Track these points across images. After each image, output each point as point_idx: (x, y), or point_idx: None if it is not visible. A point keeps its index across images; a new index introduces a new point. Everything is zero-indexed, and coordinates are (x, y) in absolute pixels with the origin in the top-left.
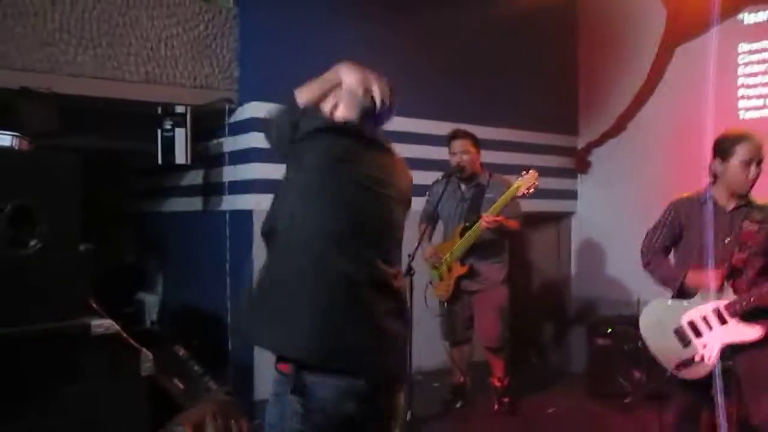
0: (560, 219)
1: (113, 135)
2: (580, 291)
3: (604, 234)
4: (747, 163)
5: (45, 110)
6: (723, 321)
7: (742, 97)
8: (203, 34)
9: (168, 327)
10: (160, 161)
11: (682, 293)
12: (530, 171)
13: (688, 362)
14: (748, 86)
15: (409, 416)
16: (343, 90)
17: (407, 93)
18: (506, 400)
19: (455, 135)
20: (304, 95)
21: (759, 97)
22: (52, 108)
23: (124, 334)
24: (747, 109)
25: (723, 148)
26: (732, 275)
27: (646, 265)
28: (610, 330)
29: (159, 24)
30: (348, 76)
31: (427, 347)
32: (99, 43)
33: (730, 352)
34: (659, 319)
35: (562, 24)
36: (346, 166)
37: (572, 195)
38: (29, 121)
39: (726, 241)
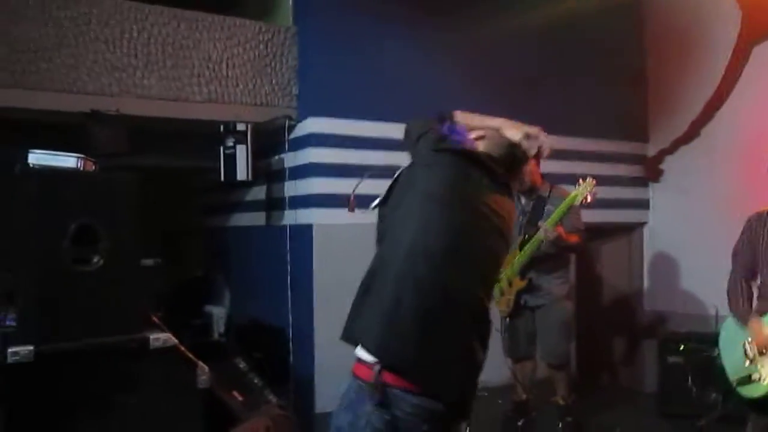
0: (632, 230)
1: (178, 154)
2: (653, 306)
3: (678, 245)
4: None
5: (113, 131)
6: None
7: None
8: (263, 53)
9: (234, 339)
10: (222, 178)
11: None
12: (587, 178)
13: (746, 380)
14: None
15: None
16: (496, 132)
17: (467, 102)
18: (569, 419)
19: None
20: (460, 117)
21: None
22: (120, 129)
23: (182, 348)
24: None
25: None
26: None
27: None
28: (682, 347)
29: (220, 45)
30: (509, 129)
31: (490, 363)
32: (163, 65)
33: None
34: (734, 332)
35: (629, 29)
36: (472, 190)
37: (644, 204)
38: (99, 142)
39: None
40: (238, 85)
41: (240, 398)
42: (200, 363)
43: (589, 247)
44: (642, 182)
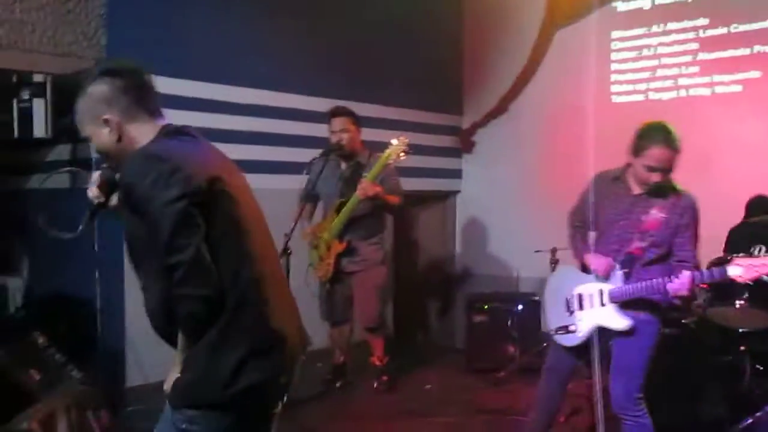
0: (446, 198)
1: None
2: (464, 269)
3: (487, 212)
4: (652, 169)
5: None
6: (602, 303)
7: (614, 83)
8: None
9: (34, 313)
10: (16, 134)
11: (586, 269)
12: (400, 138)
13: (563, 329)
14: (620, 72)
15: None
16: None
17: (288, 68)
18: (385, 378)
19: (335, 113)
20: None
21: (629, 82)
22: None
23: None
24: (619, 94)
25: (636, 143)
26: (627, 263)
27: (568, 237)
28: (486, 306)
29: None
30: None
31: (309, 328)
32: None
33: (607, 333)
34: (560, 284)
35: (449, 7)
36: None
37: (457, 174)
38: None
39: (627, 228)
40: (34, 30)
41: (37, 377)
42: None
43: (407, 214)
44: (455, 153)
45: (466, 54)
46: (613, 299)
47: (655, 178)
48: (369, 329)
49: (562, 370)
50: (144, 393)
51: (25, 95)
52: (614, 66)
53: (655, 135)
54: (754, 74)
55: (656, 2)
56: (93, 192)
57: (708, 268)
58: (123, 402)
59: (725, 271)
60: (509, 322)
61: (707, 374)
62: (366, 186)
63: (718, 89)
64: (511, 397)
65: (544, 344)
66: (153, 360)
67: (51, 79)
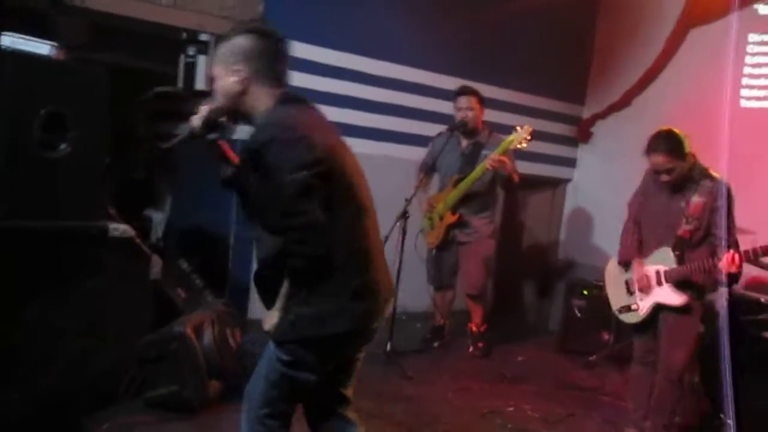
0: (557, 185)
1: (140, 55)
2: (567, 255)
3: (597, 204)
4: (656, 172)
5: (76, 23)
6: (660, 283)
7: (746, 87)
8: None
9: (173, 244)
10: (181, 85)
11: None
12: (524, 126)
13: (626, 308)
14: (753, 76)
15: (389, 347)
16: None
17: (418, 45)
18: (480, 344)
19: (462, 91)
20: None
21: (761, 87)
22: (82, 21)
23: (138, 240)
24: (749, 99)
25: (645, 150)
26: (678, 245)
27: (624, 228)
28: (586, 292)
29: None
30: None
31: (413, 290)
32: None
33: (660, 311)
34: (619, 269)
35: None
36: None
37: (571, 163)
38: (60, 32)
39: (673, 214)
40: None
41: (183, 295)
42: (154, 255)
43: (517, 196)
44: (572, 142)
45: (597, 44)
46: (669, 279)
47: (664, 178)
48: (471, 296)
49: (646, 356)
50: (260, 326)
51: (191, 51)
52: (747, 70)
53: (652, 143)
54: None
55: None
56: (195, 122)
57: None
58: (245, 330)
59: None
60: (608, 311)
61: None
62: (495, 157)
63: None
64: (600, 379)
65: None
66: None
67: (214, 38)
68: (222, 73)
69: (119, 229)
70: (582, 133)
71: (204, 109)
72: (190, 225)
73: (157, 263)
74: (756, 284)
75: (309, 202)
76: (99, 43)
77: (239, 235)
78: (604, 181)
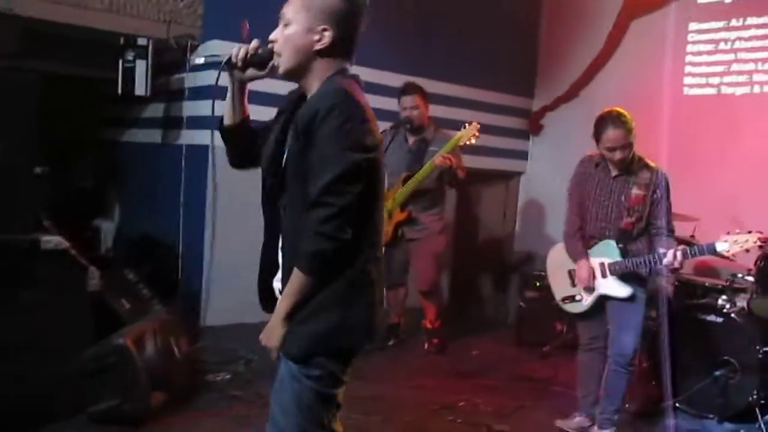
0: (510, 178)
1: (77, 62)
2: (522, 248)
3: (550, 195)
4: (611, 149)
5: (5, 30)
6: (604, 275)
7: (688, 74)
8: None
9: (122, 253)
10: (120, 91)
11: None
12: (472, 123)
13: (570, 299)
14: (694, 64)
15: None
16: None
17: (364, 43)
18: (435, 341)
19: (406, 90)
20: None
21: (702, 75)
22: (12, 29)
23: (73, 251)
24: (691, 86)
25: (595, 131)
26: (621, 238)
27: (567, 232)
28: (538, 284)
29: None
30: None
31: None
32: None
33: (605, 300)
34: (562, 259)
35: None
36: None
37: (523, 155)
38: None
39: (613, 207)
40: None
41: (127, 306)
42: (91, 267)
43: (470, 191)
44: (523, 134)
45: (543, 38)
46: (613, 272)
47: (618, 156)
48: (423, 293)
49: (591, 342)
50: (216, 332)
51: (130, 56)
52: (689, 58)
53: (607, 121)
54: None
55: None
56: (239, 52)
57: None
58: (197, 338)
59: (714, 247)
60: None
61: (747, 363)
62: (444, 155)
63: None
64: (553, 369)
65: None
66: (226, 304)
67: (152, 42)
68: (303, 23)
69: (52, 241)
70: (533, 126)
71: (253, 44)
72: (139, 233)
73: (95, 274)
74: (704, 268)
75: (351, 185)
76: (32, 51)
77: (187, 241)
78: (555, 172)
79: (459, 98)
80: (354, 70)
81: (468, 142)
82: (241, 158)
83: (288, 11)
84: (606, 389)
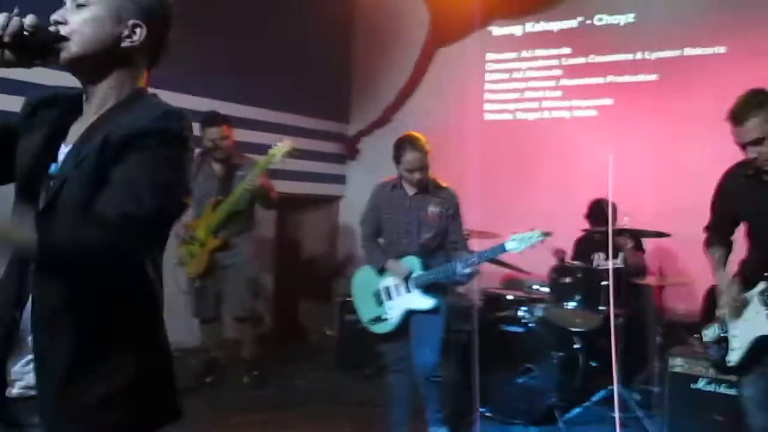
0: (330, 201)
1: None
2: (344, 272)
3: None
4: (410, 171)
5: None
6: (408, 290)
7: (487, 101)
8: None
9: None
10: None
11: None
12: (284, 140)
13: (377, 319)
14: (492, 91)
15: None
16: None
17: (173, 67)
18: (255, 373)
19: (212, 121)
20: None
21: (499, 101)
22: None
23: None
24: (491, 112)
25: (395, 154)
26: (422, 253)
27: (364, 246)
28: None
29: None
30: None
31: (181, 324)
32: None
33: (410, 315)
34: (365, 281)
35: (340, 17)
36: None
37: (341, 180)
38: None
39: (412, 224)
40: None
41: None
42: None
43: (292, 216)
44: (341, 159)
45: (355, 65)
46: (418, 285)
47: (417, 176)
48: (239, 319)
49: (399, 362)
50: None
51: None
52: (487, 86)
53: (406, 144)
54: (607, 101)
55: (527, 30)
56: (6, 23)
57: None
58: None
59: (503, 246)
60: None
61: (545, 369)
62: (253, 180)
63: (576, 113)
64: (374, 391)
65: None
66: None
67: None
68: (109, 9)
69: None
70: (349, 150)
71: (32, 22)
72: None
73: None
74: (509, 280)
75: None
76: None
77: None
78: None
79: (273, 123)
80: (163, 96)
81: (282, 160)
82: None
83: None
84: (424, 399)
